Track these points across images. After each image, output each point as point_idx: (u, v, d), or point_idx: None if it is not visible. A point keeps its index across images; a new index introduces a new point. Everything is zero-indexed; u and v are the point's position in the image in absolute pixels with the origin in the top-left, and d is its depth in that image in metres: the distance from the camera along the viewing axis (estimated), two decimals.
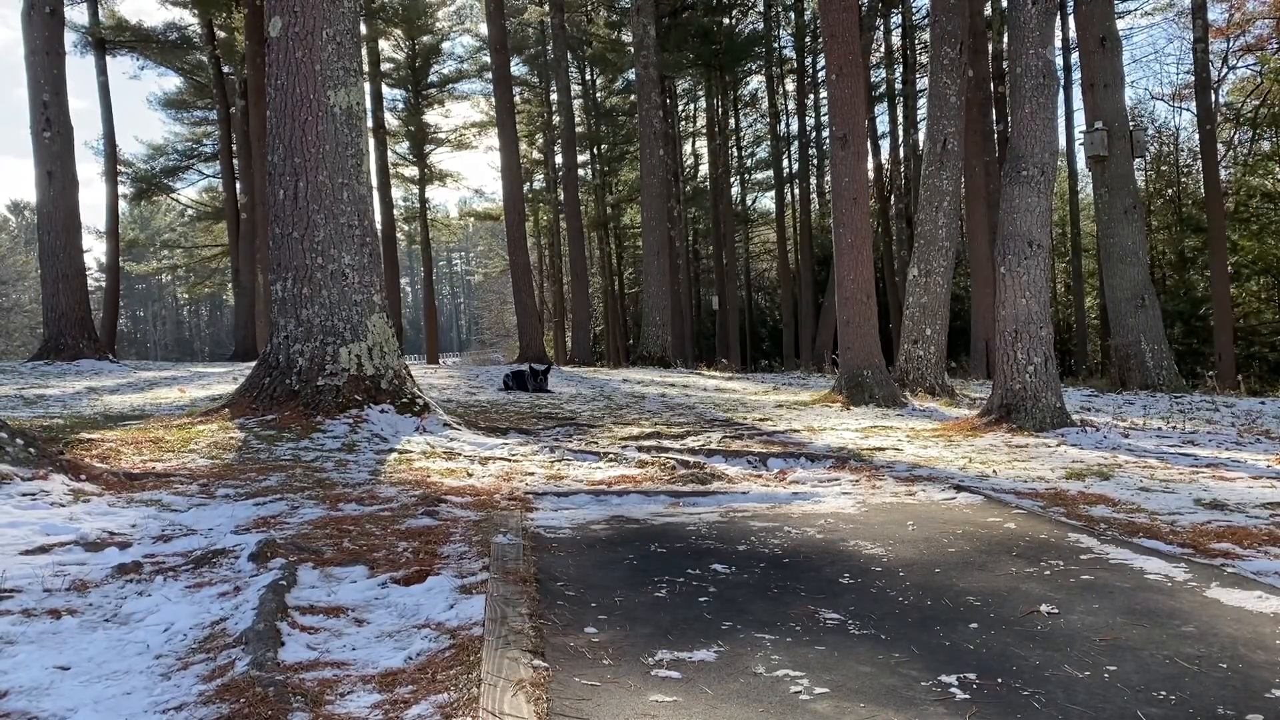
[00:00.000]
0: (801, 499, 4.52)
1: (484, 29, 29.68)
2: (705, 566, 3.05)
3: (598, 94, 40.15)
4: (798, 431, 7.48)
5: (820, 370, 19.88)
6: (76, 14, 26.87)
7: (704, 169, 39.79)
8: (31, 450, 4.54)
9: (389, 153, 35.38)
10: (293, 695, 2.00)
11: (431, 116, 38.45)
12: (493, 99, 29.26)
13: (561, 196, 32.88)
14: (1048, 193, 7.82)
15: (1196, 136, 26.71)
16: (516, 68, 36.11)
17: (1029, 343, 7.64)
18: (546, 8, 29.59)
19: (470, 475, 5.22)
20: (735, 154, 38.29)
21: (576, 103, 37.26)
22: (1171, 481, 4.96)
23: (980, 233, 19.86)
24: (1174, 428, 7.87)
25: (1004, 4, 17.58)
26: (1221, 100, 29.43)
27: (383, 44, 34.52)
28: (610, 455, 5.93)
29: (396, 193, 38.59)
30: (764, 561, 3.14)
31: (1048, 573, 2.92)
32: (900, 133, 32.93)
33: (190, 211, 38.72)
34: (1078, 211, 30.42)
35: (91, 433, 6.30)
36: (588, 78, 39.64)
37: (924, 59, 28.34)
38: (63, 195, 16.24)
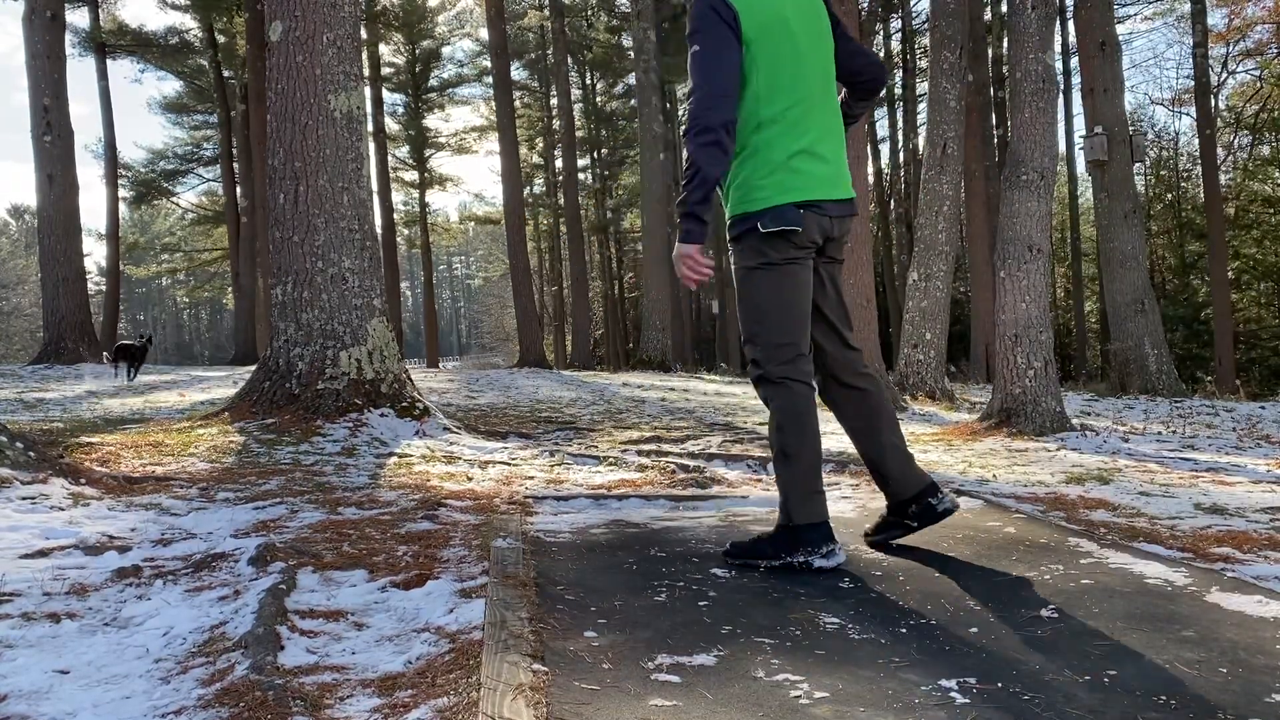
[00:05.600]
0: None
1: (484, 33, 29.72)
2: (705, 571, 3.05)
3: (598, 98, 40.20)
4: None
5: None
6: (77, 18, 26.95)
7: None
8: (31, 454, 4.54)
9: (389, 157, 35.44)
10: (292, 699, 1.99)
11: (432, 121, 38.60)
12: (493, 103, 29.31)
13: (562, 201, 32.91)
14: (1047, 197, 7.82)
15: (1196, 141, 26.74)
16: (517, 72, 36.17)
17: (1029, 347, 7.64)
18: (547, 12, 29.62)
19: (470, 479, 5.22)
20: None
21: (577, 107, 37.31)
22: (1171, 486, 4.96)
23: (980, 237, 19.88)
24: (1174, 432, 7.86)
25: (1004, 8, 17.60)
26: (1221, 105, 29.47)
27: (383, 48, 34.60)
28: (610, 459, 5.93)
29: (397, 197, 38.66)
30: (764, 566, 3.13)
31: (1048, 577, 2.91)
32: (900, 137, 32.96)
33: (190, 215, 38.80)
34: (1078, 216, 30.45)
35: (91, 436, 6.30)
36: (588, 82, 39.70)
37: (924, 63, 28.36)
38: (63, 199, 16.27)
